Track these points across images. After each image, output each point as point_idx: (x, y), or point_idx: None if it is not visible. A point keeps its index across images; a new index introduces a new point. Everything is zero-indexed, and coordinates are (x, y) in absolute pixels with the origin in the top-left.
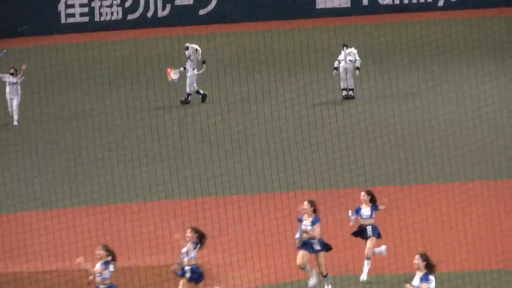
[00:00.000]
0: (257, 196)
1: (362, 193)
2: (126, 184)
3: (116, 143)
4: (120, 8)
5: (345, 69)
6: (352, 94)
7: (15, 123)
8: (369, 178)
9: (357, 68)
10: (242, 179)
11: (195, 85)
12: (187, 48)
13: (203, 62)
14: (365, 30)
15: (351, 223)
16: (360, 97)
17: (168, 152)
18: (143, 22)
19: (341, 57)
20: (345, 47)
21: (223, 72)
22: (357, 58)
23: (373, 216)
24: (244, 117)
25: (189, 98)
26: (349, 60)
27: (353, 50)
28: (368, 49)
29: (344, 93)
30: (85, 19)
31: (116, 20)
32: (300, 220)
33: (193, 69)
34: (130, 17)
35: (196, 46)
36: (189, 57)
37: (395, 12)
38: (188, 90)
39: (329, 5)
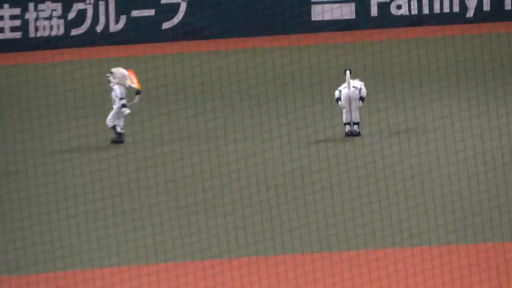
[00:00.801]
0: (235, 261)
1: None
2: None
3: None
4: (61, 21)
5: (349, 98)
6: (358, 130)
7: None
8: (379, 238)
9: (362, 99)
10: (217, 239)
11: (117, 120)
12: (110, 74)
13: (137, 92)
14: (374, 48)
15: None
16: (367, 134)
17: (122, 205)
18: (91, 39)
19: (343, 85)
20: (348, 72)
21: (193, 102)
22: (363, 86)
23: None
24: (219, 160)
25: (122, 137)
26: (354, 87)
27: (358, 81)
28: (378, 73)
29: (347, 128)
30: (17, 34)
31: (56, 36)
32: None
33: (120, 99)
34: (74, 32)
35: (123, 71)
36: (113, 85)
37: (412, 25)
38: (111, 126)
39: (328, 16)
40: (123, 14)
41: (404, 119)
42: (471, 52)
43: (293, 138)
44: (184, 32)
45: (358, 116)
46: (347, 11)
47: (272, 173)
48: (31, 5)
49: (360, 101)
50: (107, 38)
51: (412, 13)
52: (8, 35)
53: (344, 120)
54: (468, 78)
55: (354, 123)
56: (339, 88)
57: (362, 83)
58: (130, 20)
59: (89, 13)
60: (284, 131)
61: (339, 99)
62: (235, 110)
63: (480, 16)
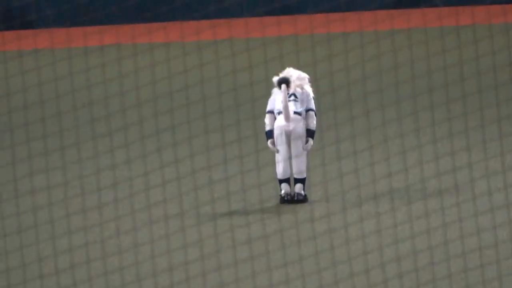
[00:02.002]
0: None
1: None
2: None
3: None
4: None
5: (286, 133)
6: (302, 194)
7: None
8: None
9: (310, 134)
10: None
11: None
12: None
13: None
14: (334, 45)
15: None
16: (320, 199)
17: None
18: None
19: (276, 105)
20: (284, 86)
21: None
22: (312, 106)
23: None
24: None
25: None
26: (295, 113)
27: (299, 77)
28: (338, 80)
29: (284, 190)
30: None
31: None
32: None
33: None
34: None
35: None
36: None
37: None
38: None
39: None
40: None
41: (387, 172)
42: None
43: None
44: None
45: (303, 166)
46: None
47: None
48: None
49: (310, 140)
50: None
51: None
52: None
53: (279, 175)
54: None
55: (297, 180)
56: (269, 108)
57: (310, 91)
58: None
59: None
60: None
61: (270, 134)
62: None
63: None
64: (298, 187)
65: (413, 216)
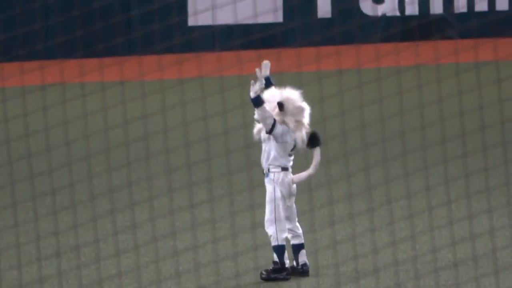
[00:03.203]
0: None
1: None
2: None
3: None
4: None
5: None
6: (306, 263)
7: None
8: None
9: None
10: None
11: None
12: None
13: None
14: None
15: None
16: (328, 274)
17: None
18: None
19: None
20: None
21: None
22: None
23: None
24: None
25: None
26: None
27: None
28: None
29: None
30: None
31: None
32: None
33: None
34: None
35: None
36: None
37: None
38: None
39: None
40: None
41: (390, 241)
42: None
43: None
44: None
45: (296, 225)
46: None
47: None
48: None
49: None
50: None
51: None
52: None
53: (281, 235)
54: None
55: (295, 248)
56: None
57: (306, 107)
58: None
59: None
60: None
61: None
62: None
63: None
64: (302, 261)
65: None
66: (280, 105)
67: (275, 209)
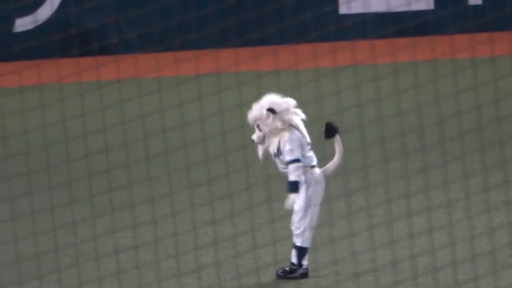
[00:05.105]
0: None
1: None
2: None
3: None
4: None
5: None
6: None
7: None
8: None
9: (291, 188)
10: None
11: None
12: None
13: None
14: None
15: None
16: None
17: None
18: None
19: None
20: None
21: None
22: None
23: None
24: None
25: None
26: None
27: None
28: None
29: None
30: None
31: None
32: None
33: None
34: None
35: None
36: None
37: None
38: None
39: None
40: None
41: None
42: None
43: None
44: None
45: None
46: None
47: None
48: None
49: (291, 196)
50: None
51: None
52: None
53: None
54: None
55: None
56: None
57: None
58: None
59: None
60: None
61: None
62: None
63: None
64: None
65: None
66: (271, 110)
67: (308, 210)
